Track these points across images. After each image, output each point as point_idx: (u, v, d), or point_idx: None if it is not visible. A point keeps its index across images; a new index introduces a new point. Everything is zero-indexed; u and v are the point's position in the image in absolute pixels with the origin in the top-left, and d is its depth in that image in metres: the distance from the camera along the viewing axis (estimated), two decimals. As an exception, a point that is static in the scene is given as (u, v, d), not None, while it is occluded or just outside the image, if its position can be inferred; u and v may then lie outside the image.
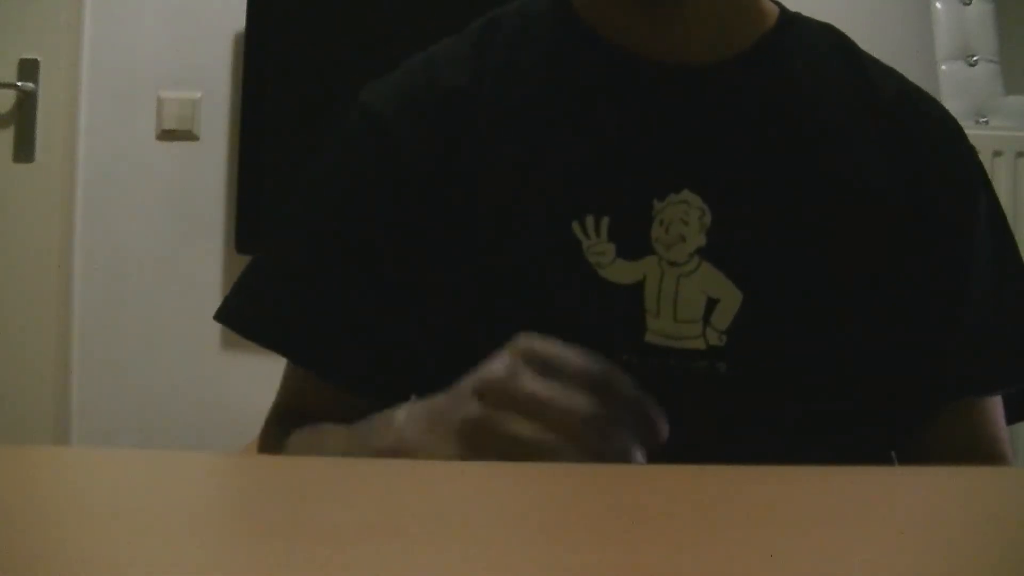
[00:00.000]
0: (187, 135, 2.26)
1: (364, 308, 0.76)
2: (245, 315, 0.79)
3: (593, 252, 0.72)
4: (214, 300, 0.81)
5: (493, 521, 0.34)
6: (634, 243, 0.72)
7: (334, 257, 0.77)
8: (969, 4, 2.09)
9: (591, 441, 0.53)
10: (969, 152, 0.81)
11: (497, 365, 0.57)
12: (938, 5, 2.10)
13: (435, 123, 0.76)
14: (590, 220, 0.72)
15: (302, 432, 0.77)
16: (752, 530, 0.34)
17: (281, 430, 0.79)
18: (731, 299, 0.72)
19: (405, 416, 0.63)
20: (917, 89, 0.82)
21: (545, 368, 0.56)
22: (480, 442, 0.55)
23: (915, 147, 0.78)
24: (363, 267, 0.76)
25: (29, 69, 2.22)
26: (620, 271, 0.72)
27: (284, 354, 0.80)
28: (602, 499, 0.39)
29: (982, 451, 0.77)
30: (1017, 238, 0.81)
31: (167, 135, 2.26)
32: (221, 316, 0.79)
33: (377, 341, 0.76)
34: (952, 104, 1.97)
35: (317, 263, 0.77)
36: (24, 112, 2.23)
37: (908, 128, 0.78)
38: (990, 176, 0.82)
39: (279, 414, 0.81)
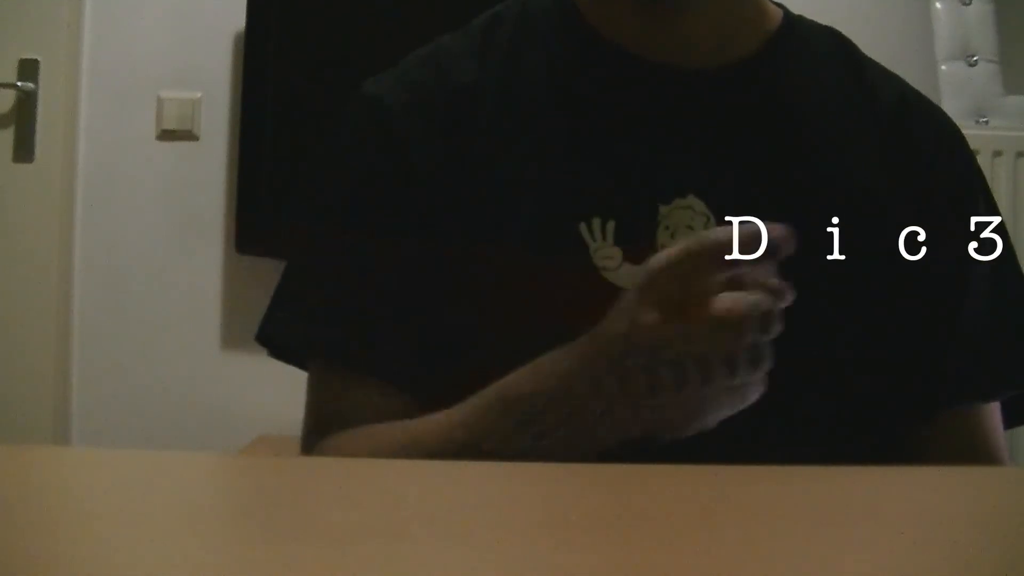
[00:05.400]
0: (187, 135, 2.25)
1: (386, 299, 0.74)
2: (276, 335, 0.78)
3: (600, 256, 0.72)
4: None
5: (493, 521, 0.34)
6: (640, 248, 0.72)
7: (350, 254, 0.76)
8: (969, 4, 2.08)
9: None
10: (968, 158, 0.81)
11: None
12: (938, 5, 2.10)
13: (443, 119, 0.76)
14: (596, 222, 0.72)
15: (352, 434, 0.73)
16: (752, 530, 0.34)
17: (322, 439, 0.75)
18: None
19: (547, 360, 0.64)
20: (917, 94, 0.82)
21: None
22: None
23: (915, 153, 0.78)
24: (378, 260, 0.75)
25: (29, 69, 2.22)
26: (627, 276, 0.72)
27: (313, 361, 0.78)
28: (602, 499, 0.39)
29: (980, 459, 0.77)
30: (1017, 237, 0.81)
31: (167, 135, 2.25)
32: (260, 338, 0.78)
33: (402, 330, 0.74)
34: (952, 104, 1.97)
35: (336, 263, 0.76)
36: (24, 112, 2.23)
37: (909, 134, 0.79)
38: (990, 176, 0.82)
39: (316, 428, 0.77)
